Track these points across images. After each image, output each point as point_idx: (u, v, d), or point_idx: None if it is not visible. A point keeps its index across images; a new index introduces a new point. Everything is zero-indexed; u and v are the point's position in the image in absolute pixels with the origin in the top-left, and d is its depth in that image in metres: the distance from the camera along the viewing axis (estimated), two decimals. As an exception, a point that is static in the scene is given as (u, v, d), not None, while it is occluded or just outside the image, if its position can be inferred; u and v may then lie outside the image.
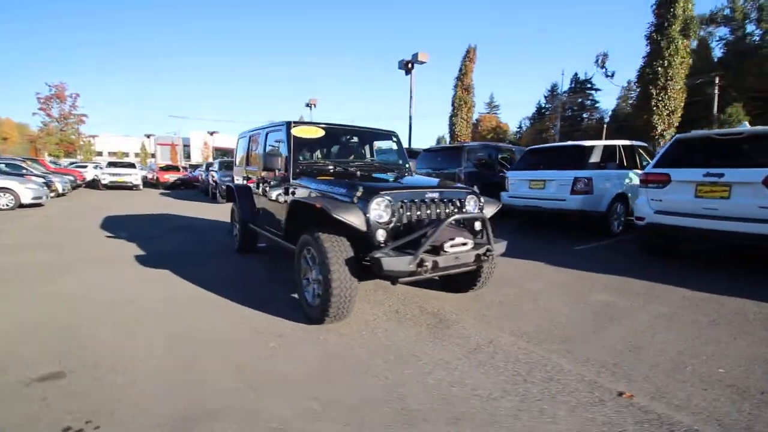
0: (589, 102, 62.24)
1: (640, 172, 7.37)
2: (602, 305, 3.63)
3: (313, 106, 26.24)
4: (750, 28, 48.55)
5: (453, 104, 17.60)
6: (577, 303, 3.70)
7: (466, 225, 3.33)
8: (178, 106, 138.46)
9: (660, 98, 10.08)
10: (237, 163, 6.20)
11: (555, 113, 56.77)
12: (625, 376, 2.40)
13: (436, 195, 3.26)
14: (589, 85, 60.48)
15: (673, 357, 2.64)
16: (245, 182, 5.43)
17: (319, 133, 4.05)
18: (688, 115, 12.29)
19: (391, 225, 3.01)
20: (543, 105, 62.82)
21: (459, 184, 3.76)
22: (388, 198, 3.00)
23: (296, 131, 4.03)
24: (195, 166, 27.80)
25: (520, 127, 68.16)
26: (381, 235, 2.94)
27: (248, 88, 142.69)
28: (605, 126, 40.24)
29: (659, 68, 9.80)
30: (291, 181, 3.78)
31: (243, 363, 2.51)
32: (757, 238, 4.02)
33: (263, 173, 4.62)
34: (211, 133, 42.17)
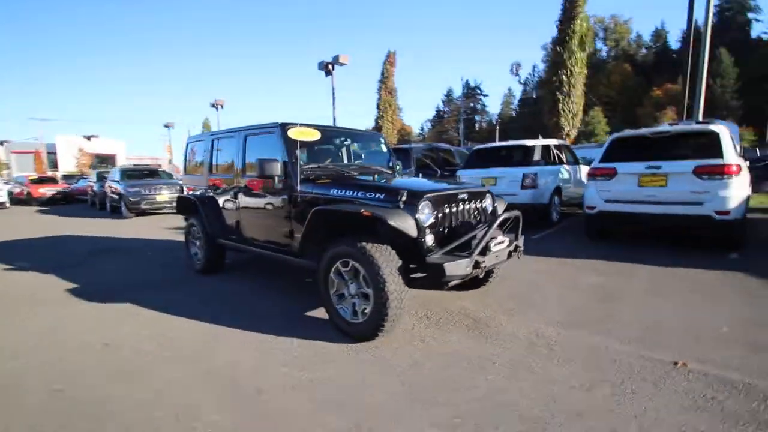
0: (479, 106, 68.74)
1: (568, 167, 8.38)
2: (596, 287, 4.02)
3: (219, 107, 24.18)
4: (599, 44, 58.94)
5: (378, 107, 17.89)
6: (574, 288, 4.03)
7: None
8: (40, 107, 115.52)
9: (565, 103, 11.71)
10: (188, 171, 5.42)
11: (452, 116, 61.51)
12: (663, 347, 2.68)
13: (465, 195, 3.26)
14: (478, 91, 66.80)
15: (683, 324, 3.04)
16: (207, 192, 4.76)
17: (316, 135, 3.73)
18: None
19: (435, 228, 2.92)
20: (441, 108, 67.63)
21: (475, 184, 3.81)
22: (433, 201, 2.91)
23: (292, 133, 3.66)
24: (72, 176, 23.55)
25: (422, 129, 72.20)
26: (430, 239, 2.83)
27: (136, 87, 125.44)
28: (497, 128, 44.93)
29: (563, 77, 11.39)
30: (298, 188, 3.41)
31: (332, 396, 2.19)
32: (690, 218, 4.87)
33: (244, 181, 4.10)
34: (89, 138, 36.05)
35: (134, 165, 15.70)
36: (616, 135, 5.89)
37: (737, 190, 4.67)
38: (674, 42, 59.27)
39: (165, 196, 11.87)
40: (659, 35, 60.64)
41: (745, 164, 5.18)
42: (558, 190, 7.75)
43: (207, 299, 3.99)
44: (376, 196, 2.96)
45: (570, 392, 2.19)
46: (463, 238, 2.82)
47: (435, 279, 2.68)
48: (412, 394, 2.20)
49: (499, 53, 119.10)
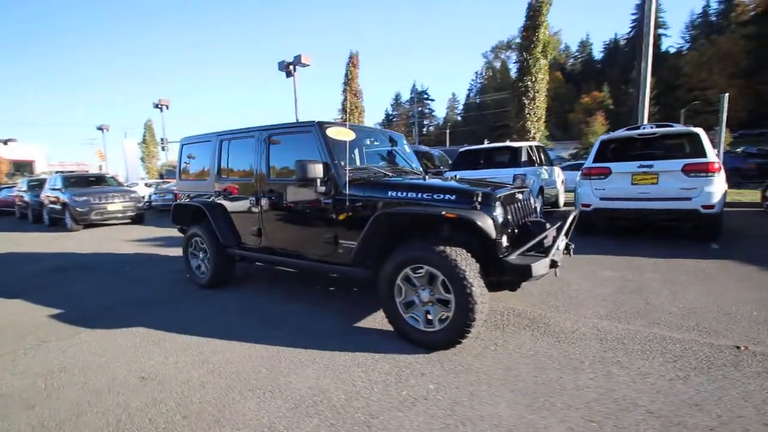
0: (427, 110, 70.62)
1: (547, 168, 8.81)
2: (618, 280, 4.22)
3: (164, 107, 22.40)
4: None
5: (344, 109, 17.60)
6: (600, 282, 4.21)
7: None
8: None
9: (530, 107, 12.39)
10: (184, 176, 4.91)
11: (401, 120, 62.59)
12: (717, 333, 2.87)
13: (520, 195, 3.27)
14: (426, 96, 68.61)
15: (715, 310, 3.28)
16: (218, 199, 4.34)
17: (351, 135, 3.53)
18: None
19: (506, 229, 2.89)
20: (390, 112, 68.59)
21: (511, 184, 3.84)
22: (502, 200, 2.87)
23: (331, 132, 3.45)
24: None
25: (372, 131, 72.55)
26: (505, 240, 2.78)
27: (58, 85, 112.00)
28: (448, 131, 46.54)
29: (529, 82, 12.05)
30: (346, 191, 3.20)
31: (452, 412, 2.04)
32: (679, 212, 5.31)
33: (270, 185, 3.79)
34: (5, 142, 31.61)
35: (72, 171, 14.01)
36: (604, 137, 6.29)
37: (719, 186, 5.18)
38: (597, 53, 65.28)
39: (118, 205, 10.73)
40: (585, 46, 66.48)
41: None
42: (541, 190, 8.11)
43: (238, 314, 3.62)
44: (446, 197, 2.86)
45: (672, 384, 2.25)
46: (537, 237, 2.80)
47: (517, 280, 2.64)
48: (528, 401, 2.12)
49: (444, 59, 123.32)
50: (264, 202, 3.85)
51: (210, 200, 4.41)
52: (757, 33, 22.64)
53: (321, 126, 3.45)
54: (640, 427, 1.87)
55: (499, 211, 2.76)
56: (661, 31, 53.45)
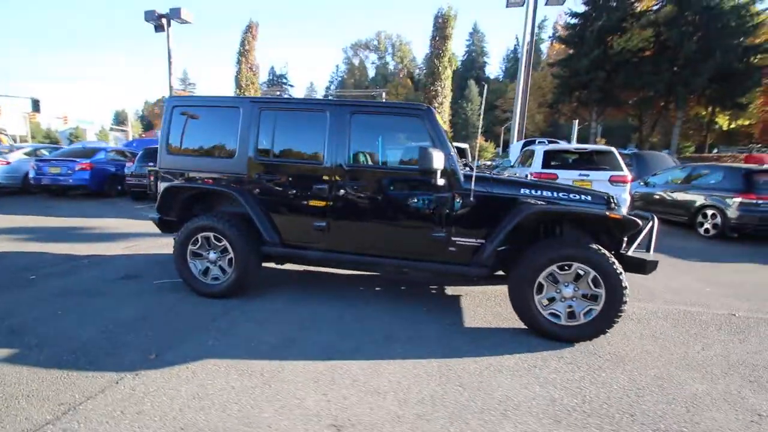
0: (286, 95, 67.64)
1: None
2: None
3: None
4: (389, 59, 67.86)
5: (238, 84, 15.13)
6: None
7: None
8: None
9: (439, 111, 13.36)
10: (173, 150, 3.64)
11: (258, 101, 58.45)
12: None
13: None
14: (284, 80, 65.69)
15: (761, 286, 4.39)
16: (264, 183, 3.40)
17: (444, 125, 3.32)
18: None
19: None
20: (239, 95, 62.97)
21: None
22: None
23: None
24: None
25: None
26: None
27: None
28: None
29: (439, 87, 13.02)
30: (472, 186, 3.00)
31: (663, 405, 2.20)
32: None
33: (351, 172, 3.20)
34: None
35: None
36: (545, 148, 7.42)
37: (629, 194, 6.80)
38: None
39: None
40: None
41: None
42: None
43: (318, 329, 2.94)
44: (582, 198, 3.02)
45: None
46: (641, 234, 3.18)
47: (639, 273, 2.99)
48: (715, 383, 2.41)
49: (306, 46, 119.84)
50: (338, 191, 3.23)
51: (243, 185, 3.42)
52: (559, 74, 29.86)
53: (432, 111, 3.12)
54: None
55: (624, 211, 3.08)
56: (485, 59, 64.42)
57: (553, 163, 7.15)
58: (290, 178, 3.36)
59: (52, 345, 2.59)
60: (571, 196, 3.07)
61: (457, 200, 3.06)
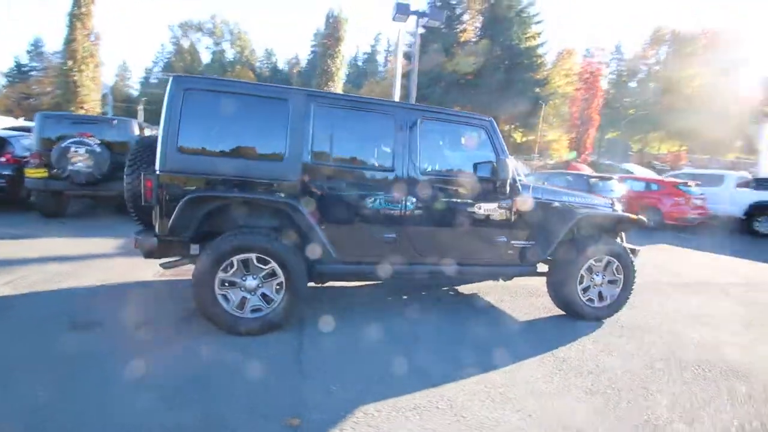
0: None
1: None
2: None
3: None
4: (226, 46, 62.12)
5: (73, 56, 10.79)
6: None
7: None
8: None
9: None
10: (185, 150, 2.79)
11: (47, 76, 44.78)
12: None
13: None
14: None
15: None
16: (328, 190, 2.91)
17: None
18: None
19: None
20: (23, 63, 47.14)
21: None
22: None
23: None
24: None
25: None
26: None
27: None
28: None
29: (332, 87, 12.75)
30: (530, 194, 3.35)
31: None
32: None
33: (430, 182, 3.13)
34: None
35: None
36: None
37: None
38: (282, 64, 72.28)
39: None
40: (270, 55, 71.92)
41: None
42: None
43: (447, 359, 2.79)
44: (602, 202, 3.73)
45: None
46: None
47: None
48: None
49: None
50: (411, 200, 3.11)
51: (298, 195, 2.87)
52: (407, 85, 33.44)
53: (495, 122, 3.32)
54: None
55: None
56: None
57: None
58: (355, 187, 3.05)
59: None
60: (595, 201, 3.79)
61: (518, 207, 3.37)
